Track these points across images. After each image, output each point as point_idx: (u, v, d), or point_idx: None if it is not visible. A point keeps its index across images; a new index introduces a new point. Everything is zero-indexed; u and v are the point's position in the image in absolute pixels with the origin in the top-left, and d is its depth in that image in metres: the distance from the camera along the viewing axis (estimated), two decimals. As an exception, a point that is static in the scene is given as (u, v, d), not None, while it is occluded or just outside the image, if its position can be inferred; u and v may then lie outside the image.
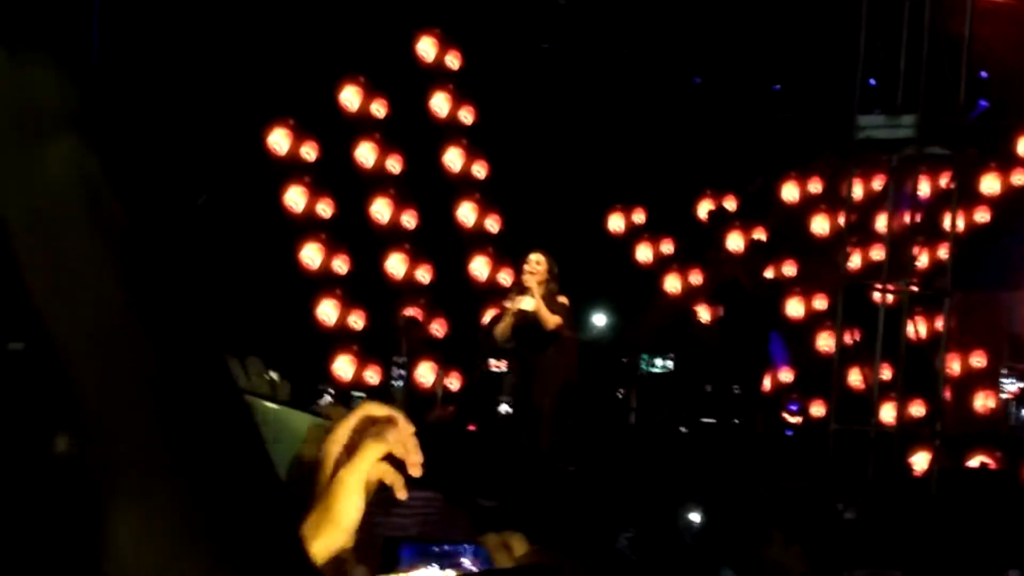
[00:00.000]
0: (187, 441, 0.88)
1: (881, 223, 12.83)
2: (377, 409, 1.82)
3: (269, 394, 2.12)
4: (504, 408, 10.83)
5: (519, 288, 10.71)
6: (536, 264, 10.56)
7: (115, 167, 0.95)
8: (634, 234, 15.96)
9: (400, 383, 12.57)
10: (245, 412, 0.92)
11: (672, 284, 15.78)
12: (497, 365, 10.78)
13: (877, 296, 11.28)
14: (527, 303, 10.50)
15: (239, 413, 0.92)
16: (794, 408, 14.19)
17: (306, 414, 2.03)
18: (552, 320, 10.42)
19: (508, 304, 10.76)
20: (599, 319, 14.98)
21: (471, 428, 11.22)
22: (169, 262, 0.94)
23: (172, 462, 0.88)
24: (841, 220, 13.12)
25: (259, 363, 2.13)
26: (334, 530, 1.67)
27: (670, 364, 11.31)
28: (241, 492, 0.89)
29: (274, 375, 2.16)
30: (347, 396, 12.62)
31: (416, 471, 1.76)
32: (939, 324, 12.31)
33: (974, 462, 11.98)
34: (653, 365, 11.57)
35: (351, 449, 1.76)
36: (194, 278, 0.93)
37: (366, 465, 1.72)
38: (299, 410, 2.06)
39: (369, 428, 1.78)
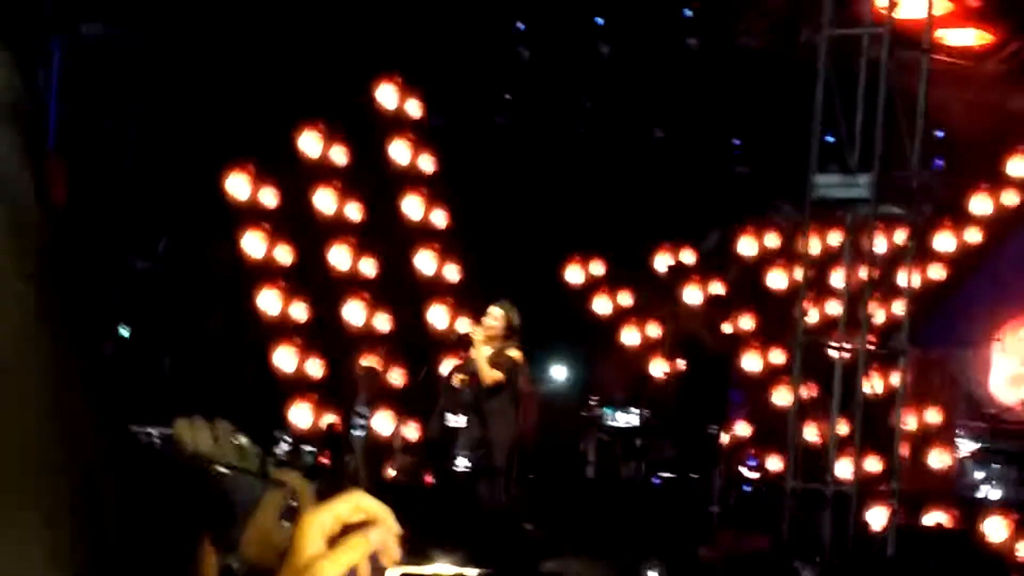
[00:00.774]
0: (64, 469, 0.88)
1: (837, 279, 12.94)
2: (367, 502, 1.80)
3: (237, 458, 2.09)
4: (462, 462, 10.79)
5: (462, 339, 10.81)
6: (492, 319, 10.60)
7: (36, 168, 0.97)
8: (592, 285, 16.01)
9: (361, 432, 12.52)
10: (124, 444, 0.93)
11: (630, 336, 15.82)
12: (455, 419, 10.75)
13: (833, 352, 11.35)
14: (475, 354, 10.59)
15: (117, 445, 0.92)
16: (752, 463, 14.24)
17: (258, 479, 2.02)
18: (490, 376, 10.46)
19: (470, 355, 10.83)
20: (558, 371, 15.00)
21: (428, 482, 11.19)
22: (74, 279, 0.95)
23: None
24: (798, 275, 13.22)
25: (228, 426, 2.12)
26: None
27: (634, 419, 11.31)
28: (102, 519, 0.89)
29: (243, 439, 2.15)
30: (300, 445, 12.57)
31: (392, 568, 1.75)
32: (895, 380, 12.41)
33: (930, 520, 12.05)
34: (615, 419, 11.57)
35: (331, 538, 1.74)
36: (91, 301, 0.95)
37: (348, 560, 1.71)
38: (253, 476, 2.05)
39: (353, 520, 1.77)
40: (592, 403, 13.56)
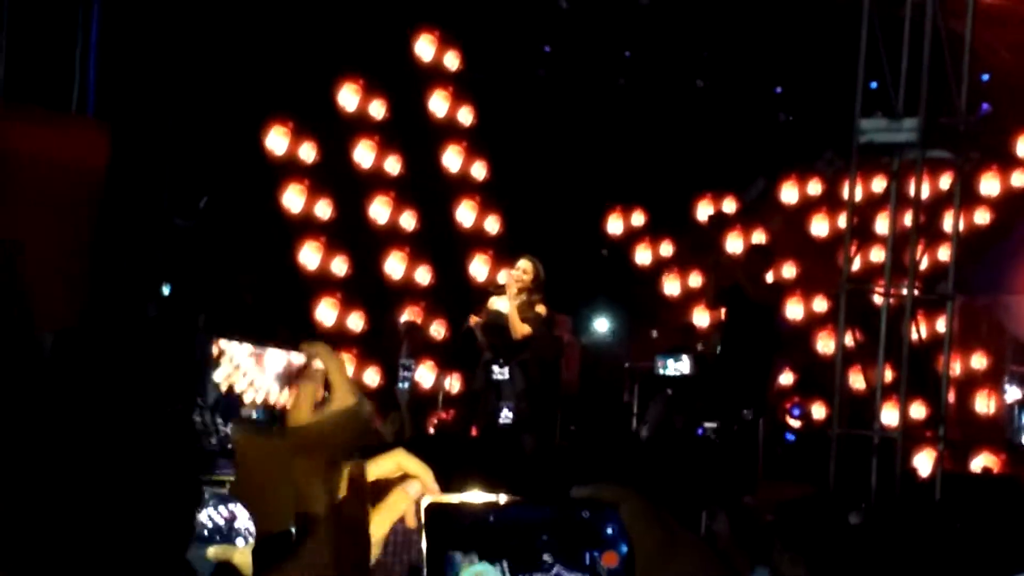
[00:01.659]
0: None
1: (880, 225, 12.82)
2: (408, 461, 1.79)
3: None
4: (505, 414, 10.80)
5: (501, 290, 10.78)
6: (523, 273, 10.58)
7: None
8: (633, 236, 15.95)
9: (405, 385, 12.55)
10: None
11: (671, 286, 15.78)
12: (500, 372, 10.76)
13: (878, 299, 11.26)
14: (502, 304, 10.58)
15: None
16: (796, 412, 14.20)
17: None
18: (520, 329, 10.47)
19: (489, 304, 10.84)
20: (601, 323, 14.97)
21: (473, 434, 11.21)
22: None
23: None
24: (841, 222, 13.10)
25: None
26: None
27: (685, 367, 11.26)
28: None
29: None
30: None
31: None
32: (940, 326, 12.31)
33: (977, 466, 12.00)
34: (666, 367, 11.54)
35: (374, 493, 1.73)
36: None
37: (391, 517, 1.70)
38: None
39: (394, 477, 1.76)
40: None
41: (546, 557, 1.38)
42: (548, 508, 1.40)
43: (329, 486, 1.69)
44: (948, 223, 11.48)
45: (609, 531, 1.40)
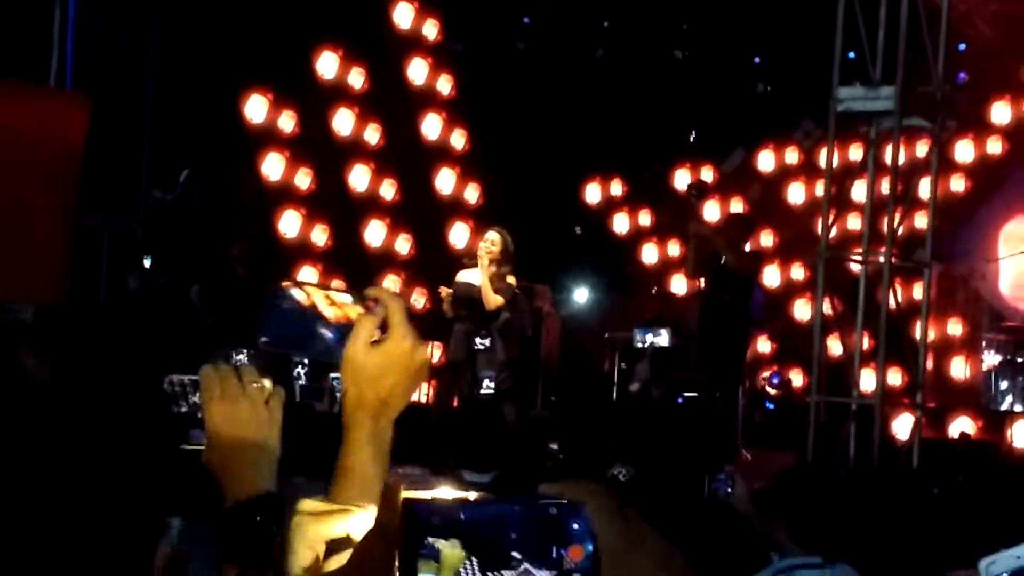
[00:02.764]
0: None
1: (857, 193, 12.90)
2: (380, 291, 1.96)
3: (261, 401, 2.07)
4: (487, 384, 10.86)
5: (472, 263, 10.82)
6: (491, 244, 10.62)
7: None
8: (611, 204, 15.99)
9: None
10: None
11: (650, 255, 15.85)
12: (481, 342, 10.81)
13: (855, 266, 11.34)
14: (474, 276, 10.63)
15: None
16: (775, 380, 14.30)
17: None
18: (493, 300, 10.53)
19: (457, 277, 10.88)
20: (580, 294, 15.02)
21: (456, 404, 11.26)
22: None
23: None
24: (818, 190, 13.16)
25: (252, 370, 2.12)
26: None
27: (663, 339, 11.34)
28: None
29: (267, 383, 2.15)
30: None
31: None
32: (917, 293, 12.40)
33: (956, 431, 12.12)
34: (644, 340, 11.61)
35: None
36: None
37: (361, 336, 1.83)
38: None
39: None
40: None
41: (514, 554, 1.41)
42: (517, 505, 1.44)
43: (374, 427, 1.75)
44: (925, 190, 11.57)
45: (575, 527, 1.43)
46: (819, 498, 5.69)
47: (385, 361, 1.77)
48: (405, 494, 1.56)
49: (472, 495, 1.54)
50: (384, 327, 1.94)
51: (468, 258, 11.10)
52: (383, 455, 1.81)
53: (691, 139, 15.49)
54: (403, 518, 1.41)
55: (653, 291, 13.83)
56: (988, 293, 14.22)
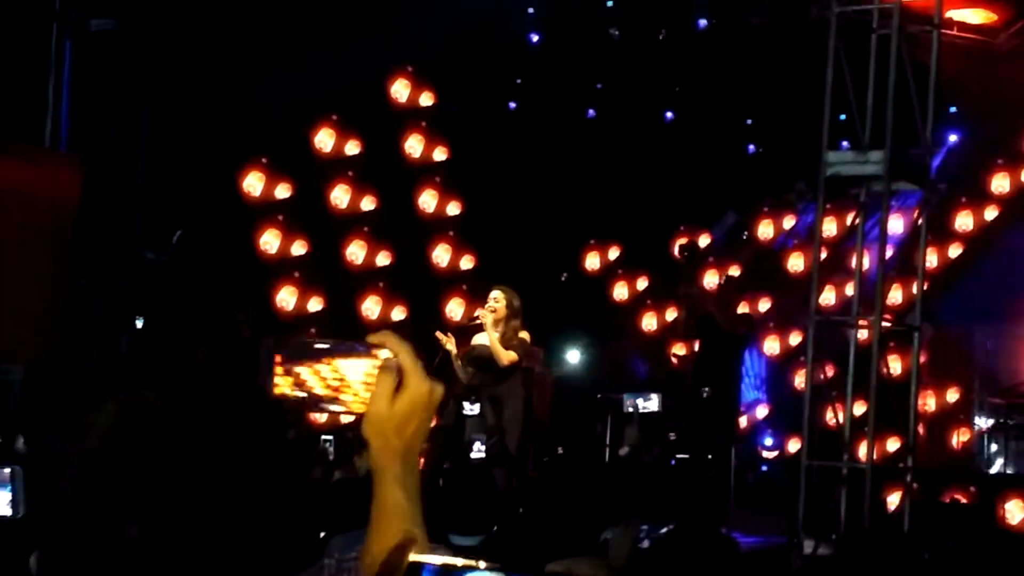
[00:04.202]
0: None
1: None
2: (391, 342, 1.94)
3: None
4: (477, 448, 10.78)
5: (479, 325, 10.75)
6: (494, 301, 10.57)
7: None
8: (610, 271, 15.99)
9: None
10: None
11: (648, 321, 15.81)
12: (470, 407, 10.75)
13: (850, 331, 11.27)
14: (481, 338, 10.56)
15: None
16: (770, 443, 14.19)
17: None
18: (506, 357, 10.43)
19: (474, 342, 10.80)
20: (572, 355, 14.97)
21: (446, 467, 11.18)
22: None
23: None
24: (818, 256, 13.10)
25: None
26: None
27: (653, 404, 11.28)
28: None
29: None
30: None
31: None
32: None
33: (948, 498, 11.97)
34: (635, 405, 11.56)
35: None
36: None
37: (383, 393, 1.87)
38: None
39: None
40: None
41: None
42: None
43: (404, 468, 1.79)
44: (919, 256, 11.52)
45: None
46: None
47: (409, 409, 1.82)
48: (416, 558, 1.58)
49: (482, 564, 1.53)
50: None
51: (476, 322, 10.98)
52: (415, 492, 1.85)
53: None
54: None
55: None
56: (985, 354, 14.11)
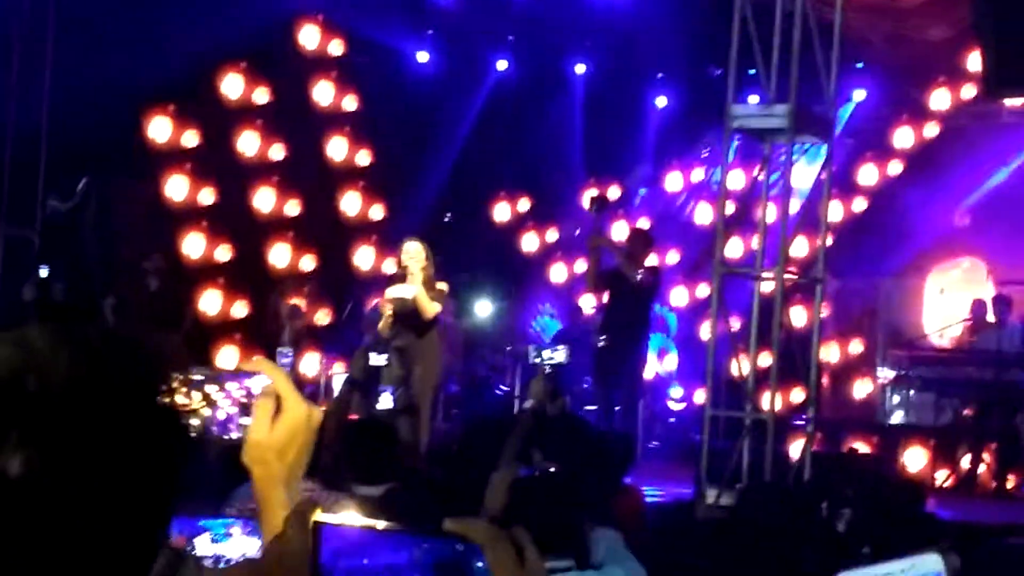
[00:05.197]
0: None
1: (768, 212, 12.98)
2: (267, 368, 1.91)
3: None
4: (385, 400, 10.77)
5: (401, 277, 10.64)
6: (416, 253, 10.47)
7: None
8: (519, 222, 16.01)
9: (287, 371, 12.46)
10: None
11: (558, 273, 15.87)
12: (378, 358, 10.71)
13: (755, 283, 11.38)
14: (407, 290, 10.43)
15: None
16: (679, 395, 14.35)
17: None
18: (431, 308, 10.37)
19: (388, 294, 10.71)
20: (483, 307, 15.00)
21: (352, 418, 11.16)
22: None
23: None
24: (729, 208, 13.17)
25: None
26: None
27: (560, 356, 11.30)
28: None
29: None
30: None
31: None
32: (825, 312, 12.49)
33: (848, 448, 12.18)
34: (541, 356, 11.57)
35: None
36: None
37: (263, 415, 1.85)
38: None
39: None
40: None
41: None
42: (423, 542, 1.47)
43: (288, 493, 1.80)
44: (832, 211, 11.66)
45: (480, 564, 1.47)
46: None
47: (288, 434, 1.82)
48: (318, 518, 1.58)
49: (381, 524, 1.53)
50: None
51: (394, 275, 10.89)
52: None
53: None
54: (314, 543, 1.44)
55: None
56: (889, 308, 14.34)
